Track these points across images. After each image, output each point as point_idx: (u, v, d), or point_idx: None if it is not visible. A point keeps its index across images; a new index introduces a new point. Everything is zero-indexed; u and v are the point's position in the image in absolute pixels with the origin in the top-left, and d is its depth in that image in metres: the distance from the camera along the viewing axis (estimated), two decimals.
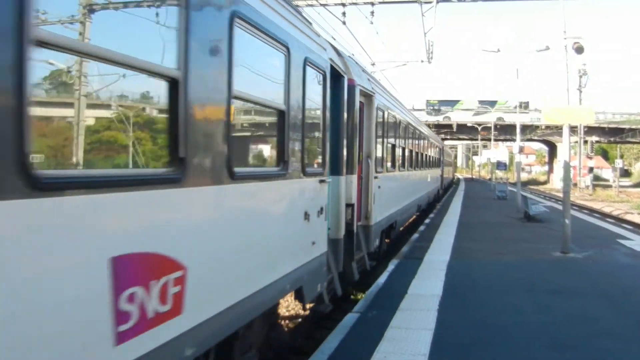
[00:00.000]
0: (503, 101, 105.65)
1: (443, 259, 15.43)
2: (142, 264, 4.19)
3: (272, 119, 7.30)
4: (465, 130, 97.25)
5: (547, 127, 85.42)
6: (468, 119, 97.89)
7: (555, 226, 21.55)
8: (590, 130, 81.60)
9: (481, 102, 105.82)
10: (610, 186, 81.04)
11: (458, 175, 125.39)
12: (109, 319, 3.78)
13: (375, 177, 13.80)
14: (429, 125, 60.85)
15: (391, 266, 14.33)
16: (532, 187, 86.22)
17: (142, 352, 4.14)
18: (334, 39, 17.72)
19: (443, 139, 78.39)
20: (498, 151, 60.28)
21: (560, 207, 21.14)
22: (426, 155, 30.25)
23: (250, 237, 6.22)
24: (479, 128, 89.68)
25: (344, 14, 30.99)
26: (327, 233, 9.59)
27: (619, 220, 31.48)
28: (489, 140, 78.40)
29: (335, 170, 10.67)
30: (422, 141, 27.80)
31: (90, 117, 4.19)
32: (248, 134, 7.66)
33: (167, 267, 4.47)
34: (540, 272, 13.83)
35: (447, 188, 59.79)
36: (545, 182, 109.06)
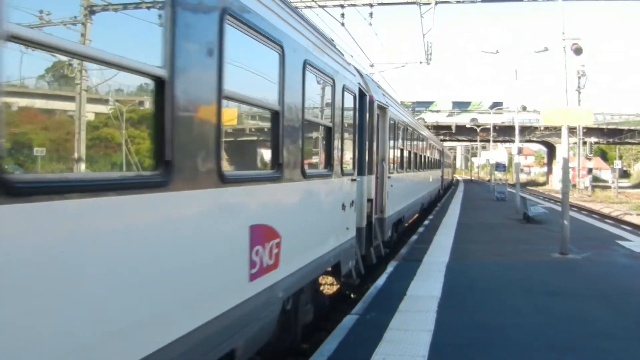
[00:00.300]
0: (477, 102, 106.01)
1: (442, 260, 15.44)
2: (262, 231, 6.45)
3: (323, 134, 9.72)
4: (464, 132, 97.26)
5: (546, 128, 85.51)
6: (442, 119, 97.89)
7: (554, 227, 21.55)
8: (589, 131, 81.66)
9: (455, 103, 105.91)
10: (609, 187, 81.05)
11: (457, 176, 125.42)
12: (246, 264, 6.03)
13: (388, 177, 16.43)
14: (427, 127, 60.95)
15: (390, 268, 14.34)
16: (531, 188, 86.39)
17: (260, 289, 6.37)
18: (333, 41, 17.70)
19: (442, 140, 78.54)
20: (497, 152, 60.36)
21: (559, 208, 21.14)
22: (429, 157, 33.21)
23: (313, 220, 8.85)
24: (478, 129, 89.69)
25: (342, 15, 31.10)
26: (355, 222, 11.79)
27: (618, 221, 31.45)
28: (488, 141, 78.45)
29: (359, 171, 12.65)
30: (425, 146, 30.88)
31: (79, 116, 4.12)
32: (313, 147, 9.61)
33: (272, 235, 6.75)
34: (539, 273, 13.84)
35: (447, 188, 62.02)
36: (544, 183, 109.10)
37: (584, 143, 74.53)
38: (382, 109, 16.12)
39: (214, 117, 5.34)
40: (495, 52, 38.31)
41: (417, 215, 28.02)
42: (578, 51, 20.88)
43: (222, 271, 5.58)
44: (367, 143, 13.88)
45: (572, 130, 64.68)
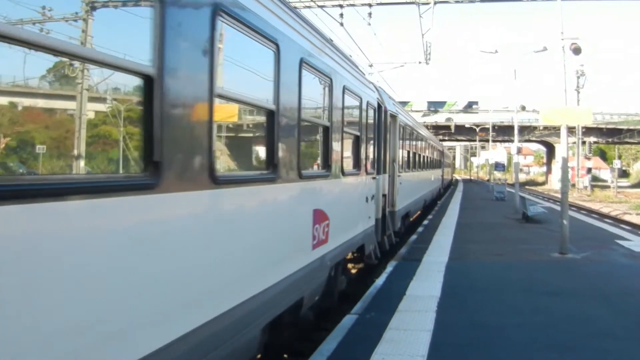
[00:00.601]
0: (452, 102, 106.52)
1: (441, 260, 15.43)
2: (319, 213, 8.86)
3: (353, 141, 11.93)
4: (463, 132, 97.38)
5: (545, 128, 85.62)
6: (419, 119, 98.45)
7: (553, 227, 21.56)
8: (588, 131, 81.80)
9: (430, 102, 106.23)
10: (608, 187, 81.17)
11: (456, 176, 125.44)
12: (310, 237, 8.46)
13: (398, 176, 18.86)
14: (427, 126, 61.02)
15: (389, 268, 14.34)
16: (530, 187, 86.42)
17: (317, 256, 8.81)
18: (332, 41, 17.76)
19: (441, 140, 78.60)
20: (496, 152, 60.37)
21: (558, 208, 21.17)
22: (431, 158, 36.09)
23: (349, 208, 11.42)
24: (477, 129, 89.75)
25: (341, 15, 31.12)
26: (374, 213, 14.25)
27: (617, 221, 31.47)
28: (487, 141, 78.51)
29: (377, 171, 15.05)
30: (428, 147, 34.03)
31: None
32: (348, 153, 11.61)
33: (324, 218, 9.15)
34: (538, 273, 13.83)
35: (447, 187, 63.62)
36: (543, 183, 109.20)
37: (583, 143, 74.61)
38: (393, 116, 18.51)
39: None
40: (494, 52, 38.30)
41: (419, 212, 29.37)
42: (577, 51, 20.90)
43: (298, 241, 8.07)
44: (382, 146, 16.42)
45: (571, 130, 64.70)
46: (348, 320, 9.70)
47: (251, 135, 8.29)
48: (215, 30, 5.32)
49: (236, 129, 7.80)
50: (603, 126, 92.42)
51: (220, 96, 5.59)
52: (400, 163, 19.67)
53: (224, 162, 6.80)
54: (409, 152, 22.89)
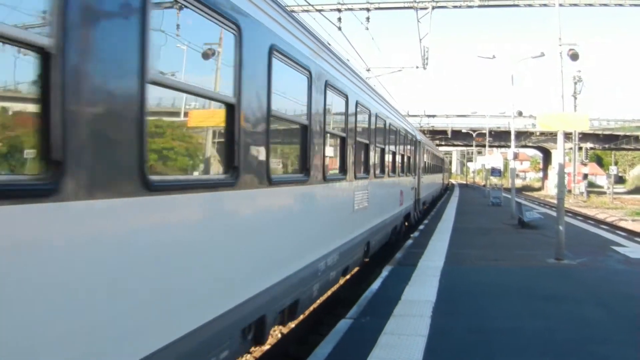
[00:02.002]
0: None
1: (437, 265, 15.42)
2: (399, 191, 20.68)
3: (408, 157, 23.34)
4: (459, 137, 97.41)
5: (542, 133, 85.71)
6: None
7: (549, 233, 21.55)
8: (585, 136, 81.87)
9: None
10: (604, 193, 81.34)
11: (452, 181, 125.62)
12: (399, 200, 20.38)
13: (421, 177, 29.36)
14: (423, 132, 61.22)
15: (385, 272, 14.31)
16: (526, 193, 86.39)
17: (394, 213, 18.86)
18: (330, 45, 17.81)
19: (438, 145, 78.74)
20: (492, 157, 60.35)
21: (554, 214, 21.18)
22: (437, 165, 48.84)
23: (407, 192, 22.78)
24: (474, 134, 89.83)
25: (339, 19, 31.19)
26: (413, 197, 24.62)
27: (613, 227, 31.51)
28: (484, 146, 78.55)
29: (413, 173, 25.91)
30: (436, 158, 47.55)
31: None
32: (399, 161, 20.55)
33: (400, 194, 21.02)
34: (534, 278, 13.83)
35: (446, 188, 73.57)
36: (539, 189, 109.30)
37: (580, 148, 74.57)
38: (420, 142, 29.27)
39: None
40: (491, 58, 38.28)
41: (425, 206, 35.99)
42: (574, 57, 20.96)
43: (395, 201, 19.08)
44: (415, 159, 27.05)
45: (567, 136, 64.76)
46: (343, 324, 9.67)
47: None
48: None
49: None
50: (600, 132, 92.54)
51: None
52: (422, 169, 31.14)
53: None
54: (425, 162, 34.20)
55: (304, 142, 8.41)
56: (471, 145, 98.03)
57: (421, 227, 26.23)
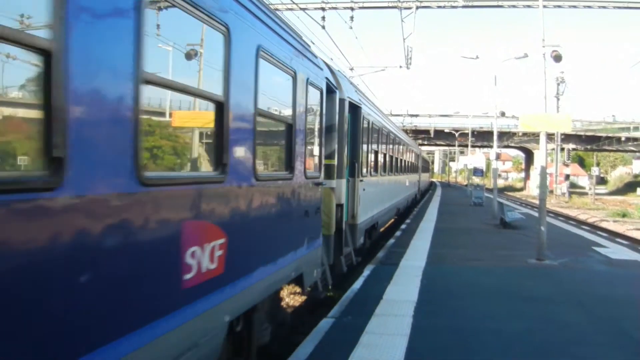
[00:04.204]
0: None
1: (419, 264, 15.42)
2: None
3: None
4: (442, 136, 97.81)
5: (524, 134, 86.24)
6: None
7: (531, 233, 21.63)
8: (567, 137, 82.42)
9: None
10: (586, 194, 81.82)
11: (434, 180, 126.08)
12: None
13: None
14: (406, 131, 61.37)
15: (366, 272, 14.29)
16: (508, 193, 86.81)
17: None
18: (313, 43, 17.77)
19: (420, 145, 78.92)
20: (475, 157, 60.63)
21: (536, 214, 21.26)
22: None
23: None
24: (457, 134, 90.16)
25: (323, 18, 31.12)
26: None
27: (595, 228, 31.69)
28: (466, 146, 78.86)
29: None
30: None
31: None
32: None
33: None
34: (515, 279, 13.87)
35: (424, 193, 64.52)
36: (521, 189, 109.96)
37: (562, 149, 75.02)
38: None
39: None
40: (475, 58, 38.40)
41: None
42: (557, 58, 20.99)
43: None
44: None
45: (550, 137, 65.14)
46: (324, 323, 9.64)
47: None
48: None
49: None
50: (582, 133, 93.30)
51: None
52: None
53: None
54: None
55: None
56: (454, 145, 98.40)
57: (403, 226, 26.24)
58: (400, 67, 36.53)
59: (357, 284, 12.82)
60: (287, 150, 8.42)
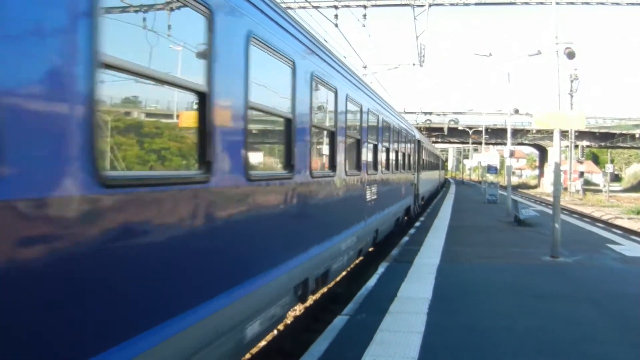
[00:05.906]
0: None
1: (433, 262, 15.44)
2: (405, 188, 26.67)
3: (409, 155, 25.43)
4: (456, 134, 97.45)
5: (538, 131, 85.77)
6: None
7: (545, 230, 21.60)
8: (581, 134, 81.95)
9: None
10: (600, 191, 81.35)
11: (448, 177, 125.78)
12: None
13: (420, 173, 31.17)
14: (419, 129, 61.36)
15: (381, 269, 14.31)
16: (522, 191, 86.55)
17: (401, 203, 22.87)
18: (326, 41, 17.79)
19: (434, 142, 78.82)
20: (489, 155, 60.45)
21: (550, 212, 21.20)
22: (436, 163, 52.51)
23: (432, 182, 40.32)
24: (470, 132, 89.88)
25: (336, 16, 31.15)
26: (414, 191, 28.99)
27: (609, 225, 31.56)
28: (480, 143, 78.62)
29: (414, 169, 28.71)
30: (434, 156, 51.25)
31: None
32: (406, 160, 24.83)
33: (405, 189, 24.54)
34: (529, 276, 13.84)
35: (443, 184, 76.26)
36: (535, 186, 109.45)
37: (576, 146, 74.75)
38: (420, 142, 31.25)
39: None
40: (488, 55, 38.29)
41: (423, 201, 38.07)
42: (571, 55, 20.96)
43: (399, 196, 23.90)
44: (416, 157, 29.92)
45: (564, 134, 64.85)
46: (339, 321, 9.68)
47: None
48: None
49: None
50: (596, 130, 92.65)
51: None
52: (422, 166, 33.12)
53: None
54: (424, 160, 35.76)
55: (401, 156, 15.31)
56: (467, 143, 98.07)
57: (417, 224, 26.24)
58: (414, 64, 36.52)
59: (372, 282, 12.85)
60: (409, 161, 25.65)
